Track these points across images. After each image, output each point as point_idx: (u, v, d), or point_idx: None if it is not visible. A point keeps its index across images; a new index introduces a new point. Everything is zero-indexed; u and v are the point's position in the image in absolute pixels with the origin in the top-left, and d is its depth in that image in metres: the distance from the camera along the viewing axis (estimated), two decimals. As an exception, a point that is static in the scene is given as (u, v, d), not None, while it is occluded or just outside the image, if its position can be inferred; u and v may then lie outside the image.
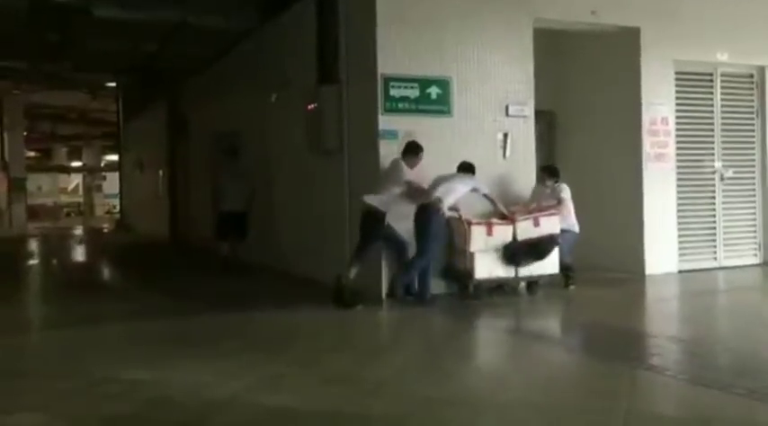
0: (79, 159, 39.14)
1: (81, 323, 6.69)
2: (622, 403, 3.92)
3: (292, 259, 9.62)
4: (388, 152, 7.41)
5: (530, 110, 8.11)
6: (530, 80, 8.08)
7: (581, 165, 9.48)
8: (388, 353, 5.44)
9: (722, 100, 9.32)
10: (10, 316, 7.40)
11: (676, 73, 8.98)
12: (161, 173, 17.68)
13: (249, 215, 10.42)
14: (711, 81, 9.29)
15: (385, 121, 7.44)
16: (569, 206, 7.83)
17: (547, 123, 9.63)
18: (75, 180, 42.07)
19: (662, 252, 8.84)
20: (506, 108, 7.95)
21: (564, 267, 7.67)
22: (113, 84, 21.91)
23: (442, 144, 7.63)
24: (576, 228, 7.90)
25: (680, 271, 8.87)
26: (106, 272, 12.60)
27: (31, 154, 35.16)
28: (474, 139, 7.82)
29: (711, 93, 9.30)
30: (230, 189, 10.38)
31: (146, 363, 5.08)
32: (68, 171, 41.07)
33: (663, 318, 6.91)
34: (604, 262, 8.91)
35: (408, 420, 3.79)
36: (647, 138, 8.78)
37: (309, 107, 8.33)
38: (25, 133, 27.49)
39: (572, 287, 7.78)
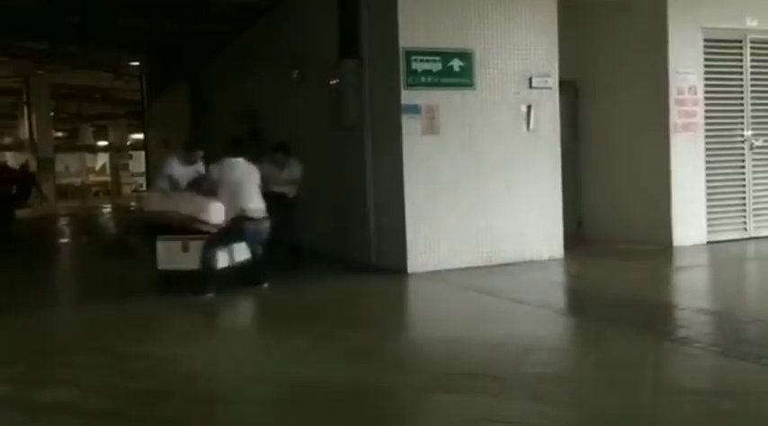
0: (105, 138, 39.53)
1: (111, 299, 6.80)
2: (650, 376, 3.89)
3: (317, 235, 9.65)
4: (411, 127, 7.38)
5: (554, 82, 8.00)
6: (554, 50, 7.96)
7: (607, 136, 9.37)
8: (407, 327, 5.46)
9: (752, 67, 9.09)
10: (41, 292, 7.54)
11: (705, 40, 8.78)
12: (185, 150, 17.75)
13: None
14: (741, 48, 9.07)
15: (407, 96, 7.39)
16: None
17: (571, 94, 9.50)
18: (102, 159, 42.52)
19: (690, 223, 8.72)
20: (530, 79, 7.85)
21: (258, 260, 6.90)
22: (137, 64, 22.02)
23: (465, 117, 7.58)
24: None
25: (709, 242, 8.76)
26: (134, 249, 12.75)
27: (59, 134, 35.55)
28: (497, 112, 7.75)
29: (741, 60, 9.07)
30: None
31: (174, 339, 5.17)
32: (95, 150, 41.52)
33: (691, 290, 6.83)
34: (631, 234, 8.84)
35: (432, 392, 3.81)
36: (674, 108, 8.62)
37: (331, 82, 8.30)
38: (52, 113, 27.78)
39: (265, 285, 6.85)
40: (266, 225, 6.81)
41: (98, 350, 4.97)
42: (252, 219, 6.68)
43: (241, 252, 6.88)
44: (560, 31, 8.01)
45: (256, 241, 6.82)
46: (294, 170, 8.32)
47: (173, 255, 6.72)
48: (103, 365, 4.56)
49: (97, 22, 11.81)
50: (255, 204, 6.74)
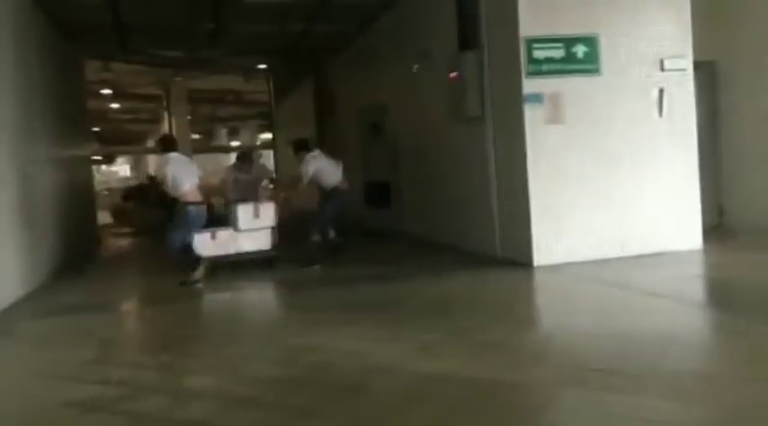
0: (237, 139, 41.56)
1: (246, 290, 7.14)
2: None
3: (439, 227, 9.69)
4: (534, 117, 7.23)
5: (688, 63, 7.56)
6: (687, 29, 7.52)
7: (749, 119, 8.74)
8: (538, 321, 5.36)
9: None
10: (174, 283, 8.05)
11: None
12: (312, 148, 18.33)
13: (393, 184, 10.67)
14: None
15: (529, 84, 7.24)
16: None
17: (709, 74, 8.93)
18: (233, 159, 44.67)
19: None
20: (661, 61, 7.47)
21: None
22: (264, 66, 22.92)
23: (591, 104, 7.33)
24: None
25: None
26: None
27: (196, 136, 37.73)
28: (626, 97, 7.44)
29: None
30: (375, 160, 10.79)
31: (308, 330, 5.36)
32: (228, 150, 43.72)
33: None
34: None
35: (565, 387, 3.73)
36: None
37: (451, 75, 8.29)
38: (189, 117, 29.57)
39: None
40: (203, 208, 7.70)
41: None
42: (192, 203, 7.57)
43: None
44: (694, 8, 7.55)
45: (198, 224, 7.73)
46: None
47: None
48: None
49: (228, 28, 12.41)
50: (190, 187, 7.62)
